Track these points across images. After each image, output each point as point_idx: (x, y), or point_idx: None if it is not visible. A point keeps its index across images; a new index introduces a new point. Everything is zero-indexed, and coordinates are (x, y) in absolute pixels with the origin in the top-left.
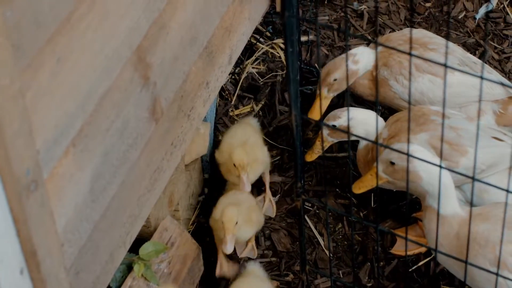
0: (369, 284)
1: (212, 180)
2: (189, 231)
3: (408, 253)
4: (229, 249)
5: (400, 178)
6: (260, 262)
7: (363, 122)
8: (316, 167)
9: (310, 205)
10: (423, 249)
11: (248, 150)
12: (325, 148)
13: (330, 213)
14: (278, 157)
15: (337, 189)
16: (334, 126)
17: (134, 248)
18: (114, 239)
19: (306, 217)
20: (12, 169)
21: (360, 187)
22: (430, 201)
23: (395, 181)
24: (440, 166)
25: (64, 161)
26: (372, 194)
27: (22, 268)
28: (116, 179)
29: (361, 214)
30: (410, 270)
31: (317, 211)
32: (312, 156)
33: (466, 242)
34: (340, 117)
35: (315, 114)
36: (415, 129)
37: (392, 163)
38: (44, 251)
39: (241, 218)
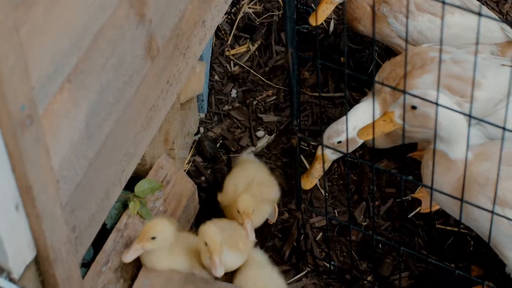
0: (364, 223)
1: (208, 119)
2: (184, 170)
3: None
4: (219, 273)
5: (417, 124)
6: None
7: (364, 120)
8: (312, 107)
9: (305, 144)
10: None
11: (255, 191)
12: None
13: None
14: (274, 97)
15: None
16: (339, 142)
17: (130, 186)
18: (110, 176)
19: (301, 156)
20: (7, 104)
21: (368, 133)
22: (441, 146)
23: (407, 129)
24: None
25: (59, 98)
26: None
27: (18, 203)
28: (111, 116)
29: (357, 154)
30: (408, 214)
31: (313, 151)
32: (312, 182)
33: (467, 182)
34: (344, 130)
35: (313, 18)
36: (416, 72)
37: (414, 107)
38: (40, 187)
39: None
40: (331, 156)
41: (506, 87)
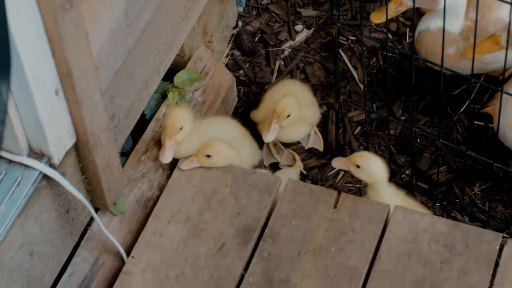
0: (403, 118)
1: (246, 13)
2: (223, 64)
3: None
4: (269, 138)
5: None
6: None
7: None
8: (351, 1)
9: (344, 39)
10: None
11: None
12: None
13: (365, 48)
14: None
15: (372, 24)
16: None
17: (169, 77)
18: (149, 66)
19: (340, 51)
20: None
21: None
22: None
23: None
24: None
25: None
26: (408, 29)
27: (58, 88)
28: (150, 4)
29: (396, 51)
30: (447, 109)
31: (352, 45)
32: (382, 17)
33: None
34: None
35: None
36: None
37: None
38: (79, 72)
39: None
40: (408, 3)
41: None
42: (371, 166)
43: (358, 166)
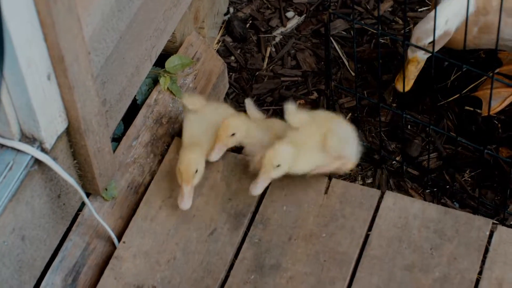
0: (394, 104)
1: (237, 0)
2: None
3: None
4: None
5: None
6: (284, 81)
7: (456, 11)
8: None
9: (334, 28)
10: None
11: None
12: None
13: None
14: None
15: (364, 11)
16: (430, 42)
17: (160, 63)
18: (140, 51)
19: (331, 38)
20: None
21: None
22: None
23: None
24: None
25: None
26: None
27: (50, 73)
28: None
29: (386, 29)
30: (439, 99)
31: (343, 32)
32: (409, 84)
33: None
34: (432, 31)
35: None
36: None
37: None
38: (72, 57)
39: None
40: (423, 56)
41: None
42: (288, 156)
43: (278, 166)
